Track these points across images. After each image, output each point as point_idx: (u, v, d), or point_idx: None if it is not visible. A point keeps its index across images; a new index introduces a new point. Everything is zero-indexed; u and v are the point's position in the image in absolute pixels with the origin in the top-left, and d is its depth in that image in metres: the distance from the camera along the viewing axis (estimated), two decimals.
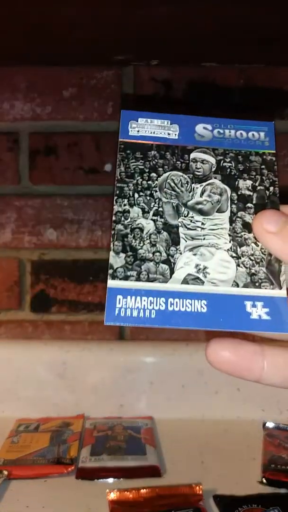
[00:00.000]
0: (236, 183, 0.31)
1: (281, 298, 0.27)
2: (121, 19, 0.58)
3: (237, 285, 0.28)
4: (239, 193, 0.31)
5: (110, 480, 0.56)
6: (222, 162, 0.32)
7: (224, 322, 0.27)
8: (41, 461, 0.59)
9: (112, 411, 0.72)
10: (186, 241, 0.29)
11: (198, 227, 0.30)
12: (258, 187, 0.31)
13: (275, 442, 0.64)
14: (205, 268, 0.28)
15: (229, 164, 0.32)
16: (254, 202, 0.30)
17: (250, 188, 0.31)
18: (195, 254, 0.29)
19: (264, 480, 0.56)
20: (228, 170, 0.31)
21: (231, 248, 0.29)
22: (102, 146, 0.76)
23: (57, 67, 0.76)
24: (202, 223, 0.30)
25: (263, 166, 0.32)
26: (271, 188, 0.31)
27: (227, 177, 0.31)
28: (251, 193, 0.31)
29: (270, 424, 0.68)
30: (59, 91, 0.76)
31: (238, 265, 0.29)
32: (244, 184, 0.31)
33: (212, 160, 0.32)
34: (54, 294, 0.78)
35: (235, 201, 0.30)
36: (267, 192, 0.31)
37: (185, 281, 0.28)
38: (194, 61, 0.74)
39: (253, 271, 0.28)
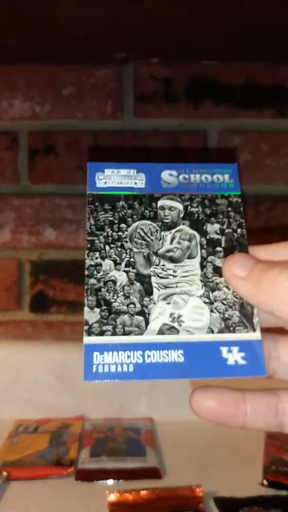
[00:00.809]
0: (205, 227, 0.31)
1: (256, 341, 0.28)
2: (121, 17, 0.58)
3: (212, 331, 0.28)
4: (208, 237, 0.31)
5: (110, 481, 0.56)
6: (189, 207, 0.32)
7: (201, 370, 0.27)
8: (41, 462, 0.59)
9: (111, 412, 0.72)
10: (159, 290, 0.29)
11: (170, 275, 0.30)
12: (226, 230, 0.31)
13: (276, 444, 0.63)
14: (179, 316, 0.28)
15: (196, 209, 0.32)
16: (223, 245, 0.31)
17: (218, 231, 0.31)
18: (168, 303, 0.29)
19: (265, 482, 0.55)
20: (196, 215, 0.31)
21: (203, 294, 0.29)
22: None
23: (56, 66, 0.75)
24: (174, 271, 0.30)
25: (229, 209, 0.32)
26: (239, 230, 0.31)
27: (195, 222, 0.31)
28: (220, 237, 0.31)
29: None
30: (58, 89, 0.75)
31: (211, 310, 0.29)
32: (212, 228, 0.31)
33: (180, 206, 0.32)
34: (53, 294, 0.77)
35: (205, 246, 0.30)
36: (235, 235, 0.31)
37: (160, 332, 0.28)
38: (194, 59, 0.74)
39: (226, 315, 0.28)
